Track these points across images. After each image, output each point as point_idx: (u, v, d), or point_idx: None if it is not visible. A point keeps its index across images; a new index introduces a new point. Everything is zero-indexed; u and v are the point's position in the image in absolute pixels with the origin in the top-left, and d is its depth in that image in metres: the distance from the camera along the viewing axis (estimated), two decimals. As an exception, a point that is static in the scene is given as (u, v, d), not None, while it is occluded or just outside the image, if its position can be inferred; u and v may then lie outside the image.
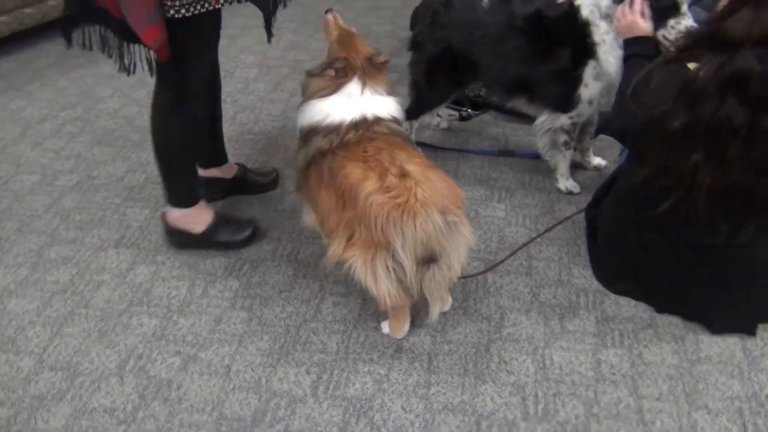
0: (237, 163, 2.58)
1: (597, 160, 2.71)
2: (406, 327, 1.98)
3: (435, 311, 1.87)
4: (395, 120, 2.02)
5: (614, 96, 2.16)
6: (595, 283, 2.18)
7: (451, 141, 2.94)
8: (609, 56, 2.26)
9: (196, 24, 1.89)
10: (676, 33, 2.14)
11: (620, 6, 2.20)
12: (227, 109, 2.93)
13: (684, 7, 2.16)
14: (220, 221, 2.33)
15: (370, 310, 2.08)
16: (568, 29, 2.33)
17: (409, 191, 1.71)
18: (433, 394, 1.83)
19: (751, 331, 1.97)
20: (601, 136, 2.64)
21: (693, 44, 1.83)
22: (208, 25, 1.98)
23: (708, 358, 1.92)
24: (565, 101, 2.39)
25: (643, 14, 2.16)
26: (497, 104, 3.05)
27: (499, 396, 1.82)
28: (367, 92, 1.99)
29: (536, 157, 2.74)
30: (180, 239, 2.32)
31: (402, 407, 1.79)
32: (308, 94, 2.01)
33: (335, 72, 1.95)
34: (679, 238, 1.90)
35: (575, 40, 2.31)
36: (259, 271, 2.25)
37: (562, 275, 2.21)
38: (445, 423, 1.75)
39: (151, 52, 1.89)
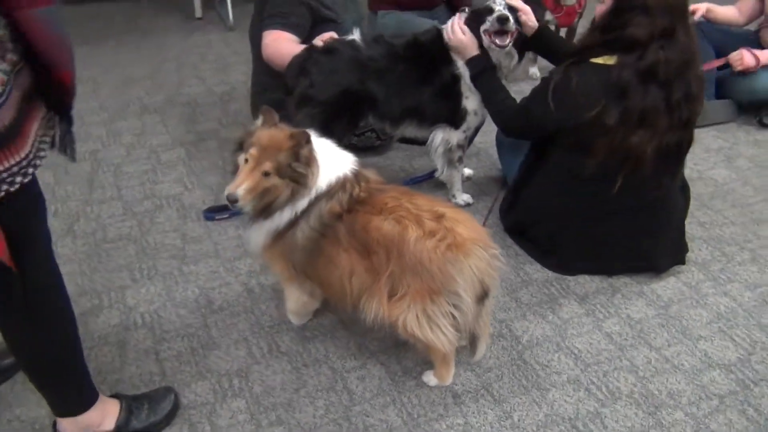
0: None
1: (467, 171, 2.93)
2: (453, 371, 1.95)
3: (483, 346, 1.89)
4: None
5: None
6: (551, 273, 2.39)
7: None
8: (464, 69, 2.49)
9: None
10: (491, 25, 2.39)
11: (444, 31, 2.46)
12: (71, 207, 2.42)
13: (497, 7, 2.41)
14: (131, 405, 1.79)
15: (397, 371, 1.99)
16: (439, 50, 2.51)
17: (452, 232, 1.71)
18: (519, 420, 1.84)
19: (683, 261, 2.39)
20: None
21: (592, 47, 2.14)
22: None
23: (670, 300, 2.28)
24: (455, 115, 2.56)
25: (463, 32, 2.42)
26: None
27: (569, 396, 1.92)
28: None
29: (415, 182, 2.88)
30: None
31: (508, 444, 1.78)
32: (311, 186, 1.81)
33: (307, 144, 1.79)
34: (624, 204, 2.20)
35: (446, 59, 2.50)
36: (254, 380, 1.96)
37: (522, 275, 2.38)
38: (550, 440, 1.79)
39: None
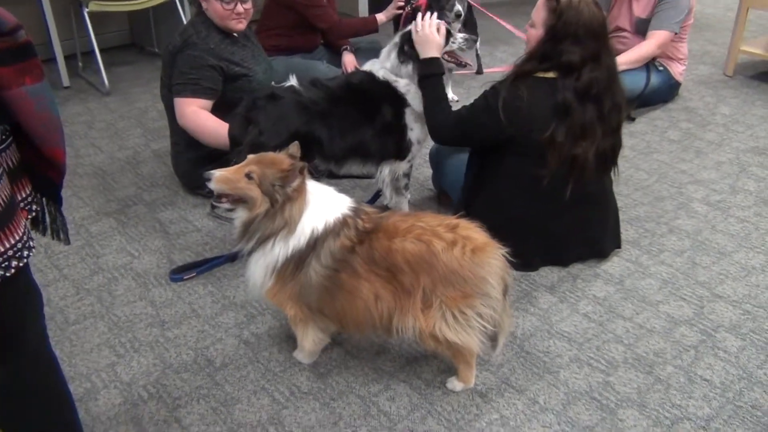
0: None
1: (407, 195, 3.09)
2: (475, 372, 2.08)
3: (503, 340, 2.03)
4: None
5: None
6: (515, 272, 2.59)
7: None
8: (416, 101, 2.67)
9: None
10: (458, 45, 2.70)
11: (419, 18, 2.59)
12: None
13: (456, 33, 2.72)
14: None
15: (420, 384, 2.09)
16: (377, 90, 2.66)
17: (469, 239, 1.88)
18: (545, 403, 2.02)
19: (619, 245, 2.71)
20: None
21: (530, 72, 2.38)
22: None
23: (622, 276, 2.58)
24: (401, 148, 2.72)
25: (438, 30, 2.57)
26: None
27: (577, 373, 2.13)
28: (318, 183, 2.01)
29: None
30: None
31: (544, 426, 1.95)
32: (289, 222, 1.90)
33: (300, 175, 1.88)
34: (574, 200, 2.46)
35: (387, 97, 2.66)
36: (290, 423, 1.96)
37: (492, 279, 2.58)
38: (578, 414, 1.98)
39: None
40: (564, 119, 2.31)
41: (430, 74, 2.55)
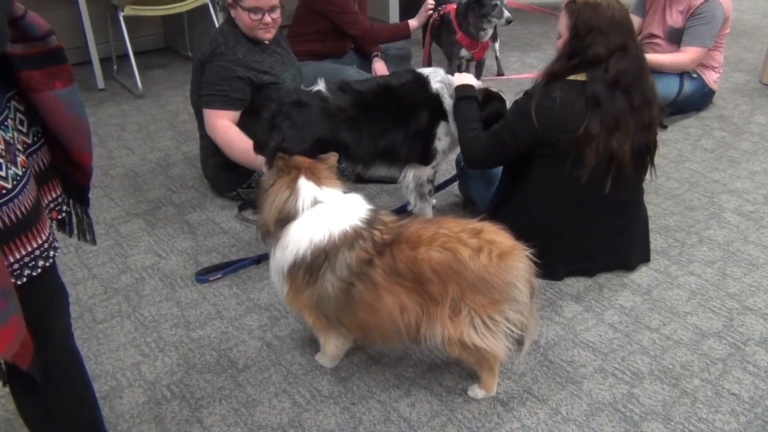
0: None
1: (432, 201, 3.08)
2: (497, 379, 2.06)
3: (529, 342, 2.00)
4: None
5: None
6: (540, 280, 2.57)
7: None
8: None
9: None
10: None
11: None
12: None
13: None
14: None
15: (441, 391, 2.08)
16: (421, 96, 2.66)
17: (495, 243, 1.86)
18: (567, 414, 2.00)
19: (647, 258, 2.66)
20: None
21: (561, 73, 2.37)
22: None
23: (650, 286, 2.54)
24: (426, 155, 2.72)
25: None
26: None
27: (601, 384, 2.10)
28: (327, 188, 1.99)
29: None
30: None
31: (568, 436, 1.92)
32: (266, 219, 1.95)
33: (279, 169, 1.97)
34: (605, 204, 2.42)
35: (430, 106, 2.66)
36: (309, 426, 1.97)
37: (516, 287, 2.55)
38: (601, 426, 1.95)
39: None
40: (596, 111, 2.29)
41: (466, 96, 2.59)
